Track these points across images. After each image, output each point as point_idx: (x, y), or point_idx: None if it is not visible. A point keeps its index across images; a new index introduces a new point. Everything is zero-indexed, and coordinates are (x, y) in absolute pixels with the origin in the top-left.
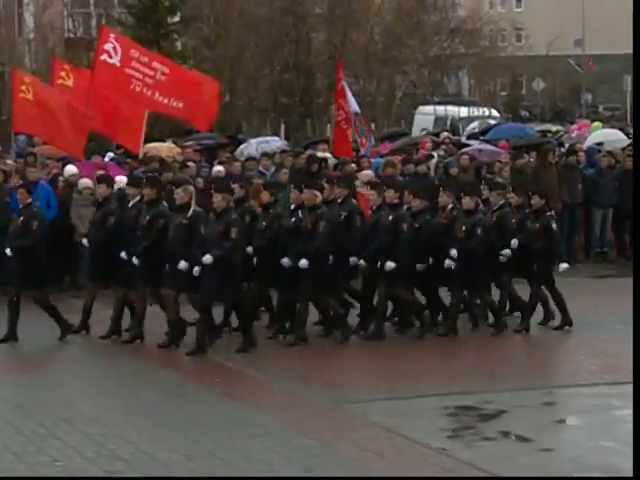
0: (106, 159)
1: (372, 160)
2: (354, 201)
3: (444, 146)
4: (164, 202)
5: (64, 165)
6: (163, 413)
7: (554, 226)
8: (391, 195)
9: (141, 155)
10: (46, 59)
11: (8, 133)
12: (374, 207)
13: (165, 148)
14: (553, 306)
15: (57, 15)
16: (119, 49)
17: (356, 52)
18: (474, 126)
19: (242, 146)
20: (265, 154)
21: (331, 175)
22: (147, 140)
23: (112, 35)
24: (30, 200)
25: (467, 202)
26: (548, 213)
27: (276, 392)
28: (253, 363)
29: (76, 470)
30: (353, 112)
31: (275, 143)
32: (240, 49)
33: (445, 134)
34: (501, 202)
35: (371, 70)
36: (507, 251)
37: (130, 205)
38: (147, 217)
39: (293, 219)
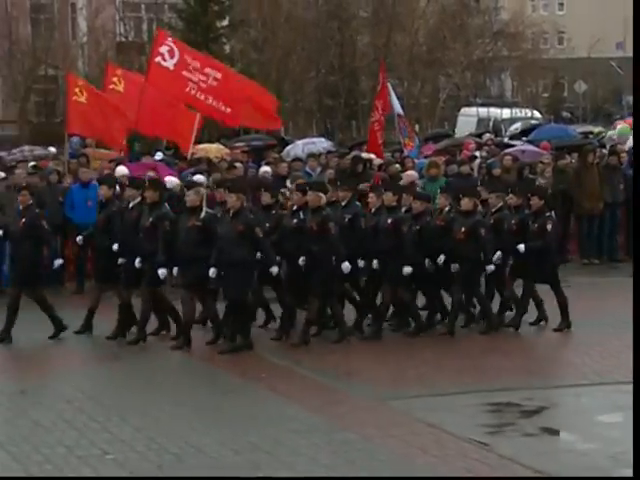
0: (156, 157)
1: (416, 161)
2: (358, 203)
3: (487, 147)
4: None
5: (116, 166)
6: (211, 408)
7: (549, 227)
8: (389, 198)
9: (189, 156)
10: (98, 62)
11: (62, 134)
12: (373, 209)
13: (214, 149)
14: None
15: (109, 19)
16: (176, 52)
17: (400, 55)
18: (516, 127)
19: (289, 147)
20: (311, 155)
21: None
22: (197, 142)
23: (169, 39)
24: (31, 202)
25: (466, 203)
26: (547, 214)
27: (320, 388)
28: (298, 360)
29: (126, 463)
30: (396, 113)
31: (321, 144)
32: (287, 52)
33: (488, 135)
34: (500, 204)
35: (415, 72)
36: (521, 246)
37: (130, 207)
38: (150, 219)
39: (295, 220)
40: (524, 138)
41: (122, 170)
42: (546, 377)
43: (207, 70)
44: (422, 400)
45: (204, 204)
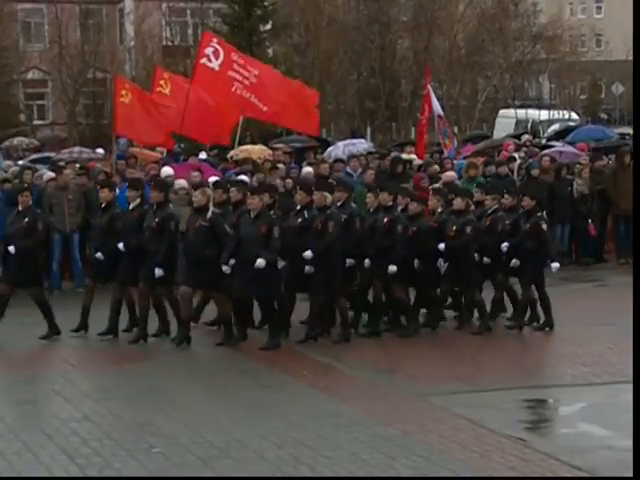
0: (201, 156)
1: (455, 162)
2: (353, 204)
3: (525, 148)
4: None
5: (162, 166)
6: (254, 403)
7: (544, 227)
8: (385, 197)
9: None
10: (145, 66)
11: (110, 136)
12: (372, 209)
13: (257, 150)
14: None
15: (156, 24)
16: (221, 53)
17: (440, 58)
18: (554, 129)
19: (330, 148)
20: (353, 156)
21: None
22: (240, 143)
23: (215, 40)
24: (31, 202)
25: (458, 203)
26: (539, 214)
27: (361, 384)
28: (339, 356)
29: (172, 456)
30: (437, 115)
31: (361, 145)
32: (329, 56)
33: (527, 136)
34: (495, 206)
35: (454, 75)
36: (504, 245)
37: (130, 208)
38: (156, 219)
39: (299, 219)
40: (562, 140)
41: (167, 171)
42: (584, 375)
43: (249, 68)
44: (461, 396)
45: (211, 204)
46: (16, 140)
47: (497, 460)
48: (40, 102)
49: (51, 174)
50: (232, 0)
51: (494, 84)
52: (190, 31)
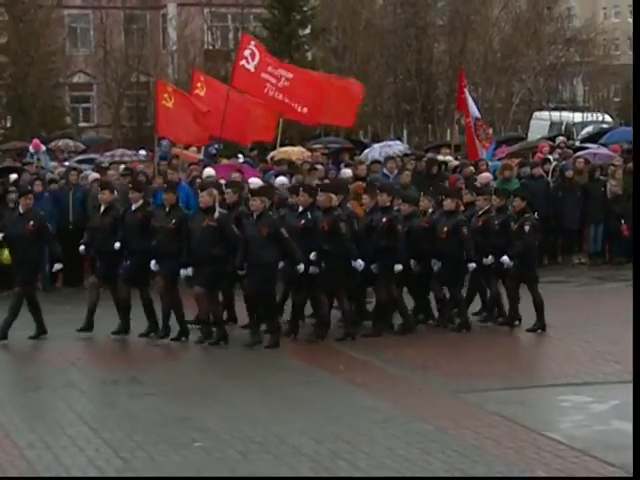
0: (239, 159)
1: (490, 163)
2: (349, 205)
3: (559, 150)
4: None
5: (203, 168)
6: (293, 398)
7: (526, 228)
8: (384, 198)
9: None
10: (187, 70)
11: (152, 138)
12: (367, 210)
13: (296, 152)
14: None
15: (197, 29)
16: (257, 55)
17: (475, 61)
18: (588, 131)
19: (367, 150)
20: (390, 157)
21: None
22: (280, 145)
23: (252, 42)
24: (32, 205)
25: (448, 204)
26: (526, 215)
27: (397, 380)
28: (376, 353)
29: (213, 450)
30: (474, 117)
31: (397, 147)
32: (366, 59)
33: (561, 138)
34: (487, 207)
35: (489, 78)
36: (505, 259)
37: (133, 209)
38: (172, 220)
39: (303, 220)
40: (596, 142)
41: (209, 172)
42: (617, 373)
43: (280, 71)
44: (495, 393)
45: (217, 204)
46: (61, 142)
47: (531, 456)
48: (85, 105)
49: (96, 175)
50: (272, 5)
51: (528, 87)
52: (231, 35)
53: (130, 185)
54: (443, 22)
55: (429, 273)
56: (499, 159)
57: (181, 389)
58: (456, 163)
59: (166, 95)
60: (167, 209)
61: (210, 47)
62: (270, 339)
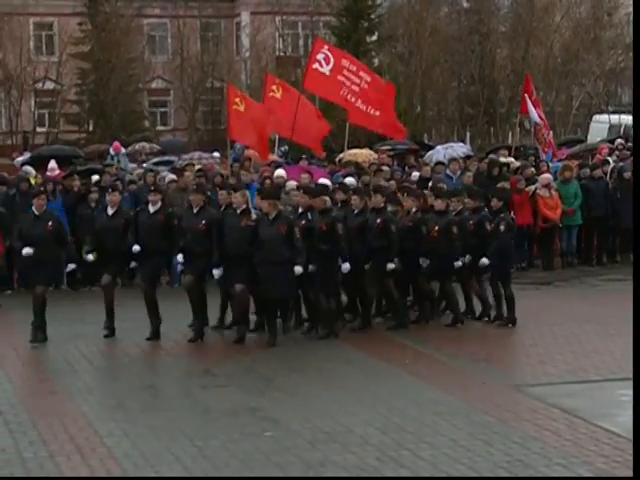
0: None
1: (551, 164)
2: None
3: (617, 152)
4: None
5: (274, 169)
6: (359, 390)
7: (502, 227)
8: (378, 199)
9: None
10: (259, 75)
11: (226, 140)
12: (356, 210)
13: (363, 154)
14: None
15: (269, 36)
16: (331, 59)
17: (536, 66)
18: None
19: (430, 152)
20: (453, 159)
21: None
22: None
23: (326, 47)
24: (46, 205)
25: (439, 204)
26: (502, 215)
27: (460, 373)
28: (439, 346)
29: (283, 440)
30: (533, 122)
31: (460, 149)
32: (431, 64)
33: (619, 140)
34: (460, 207)
35: (550, 82)
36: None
37: (152, 211)
38: (203, 221)
39: (304, 221)
40: None
41: (280, 173)
42: None
43: (361, 74)
44: (555, 387)
45: (250, 206)
46: (138, 145)
47: (590, 448)
48: (163, 109)
49: (173, 176)
50: (341, 13)
51: (588, 91)
52: (301, 42)
53: (151, 187)
54: (506, 29)
55: (416, 271)
56: (559, 160)
57: (251, 381)
58: (517, 164)
59: (237, 99)
60: (196, 210)
61: (281, 54)
62: (268, 338)
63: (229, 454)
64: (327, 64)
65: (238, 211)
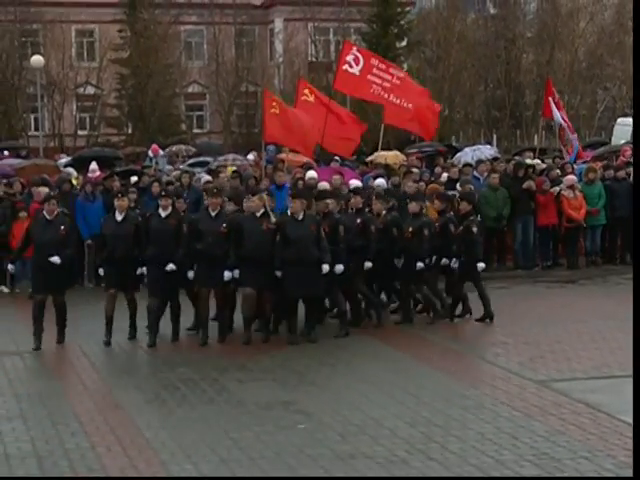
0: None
1: (576, 166)
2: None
3: None
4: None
5: (306, 170)
6: (387, 384)
7: (474, 229)
8: (357, 200)
9: (368, 161)
10: (292, 80)
11: (260, 143)
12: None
13: (392, 156)
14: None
15: (302, 42)
16: (361, 59)
17: (561, 70)
18: None
19: (459, 154)
20: (480, 161)
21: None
22: (377, 149)
23: (354, 48)
24: (57, 210)
25: (413, 207)
26: (471, 217)
27: (487, 369)
28: (466, 343)
29: (315, 432)
30: (557, 124)
31: (488, 151)
32: (458, 69)
33: None
34: (416, 210)
35: (575, 86)
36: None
37: (164, 216)
38: (223, 224)
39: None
40: None
41: (311, 174)
42: None
43: (392, 70)
44: (580, 382)
45: (269, 208)
46: (175, 147)
47: (614, 442)
48: (199, 113)
49: (208, 177)
50: (371, 20)
51: (612, 95)
52: (333, 48)
53: (162, 193)
54: (531, 34)
55: (392, 271)
56: (584, 162)
57: (285, 376)
58: (543, 166)
59: (274, 104)
60: (214, 213)
61: (313, 59)
62: (290, 337)
63: (263, 445)
64: (357, 64)
65: (257, 214)
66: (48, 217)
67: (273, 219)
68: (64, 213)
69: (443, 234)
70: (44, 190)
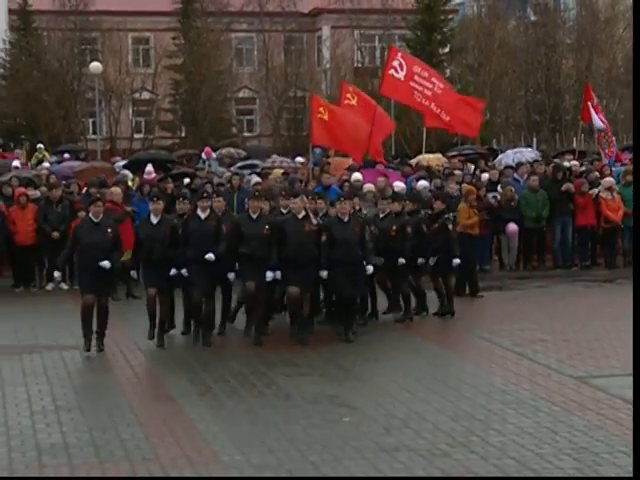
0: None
1: (614, 169)
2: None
3: None
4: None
5: (351, 172)
6: (430, 379)
7: (450, 226)
8: (320, 204)
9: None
10: (339, 85)
11: (307, 146)
12: (320, 214)
13: (433, 158)
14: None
15: (348, 49)
16: (404, 65)
17: (600, 75)
18: None
19: (500, 156)
20: (521, 163)
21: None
22: (420, 152)
23: (399, 54)
24: (102, 212)
25: (395, 207)
26: (445, 215)
27: (526, 365)
28: (506, 339)
29: (360, 425)
30: (596, 129)
31: (529, 154)
32: (499, 75)
33: None
34: (387, 210)
35: (613, 91)
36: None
37: (204, 217)
38: (266, 226)
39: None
40: None
41: (357, 176)
42: None
43: (433, 79)
44: (618, 379)
45: (308, 209)
46: (224, 150)
47: None
48: (249, 117)
49: (257, 179)
50: (415, 27)
51: None
52: (378, 54)
53: (204, 194)
54: (571, 40)
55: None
56: (622, 165)
57: (331, 371)
58: (582, 169)
59: (321, 109)
60: (255, 215)
61: (359, 65)
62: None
63: (309, 438)
64: (401, 70)
65: (299, 216)
66: (94, 220)
67: (314, 221)
68: (127, 213)
69: (418, 234)
70: (117, 190)
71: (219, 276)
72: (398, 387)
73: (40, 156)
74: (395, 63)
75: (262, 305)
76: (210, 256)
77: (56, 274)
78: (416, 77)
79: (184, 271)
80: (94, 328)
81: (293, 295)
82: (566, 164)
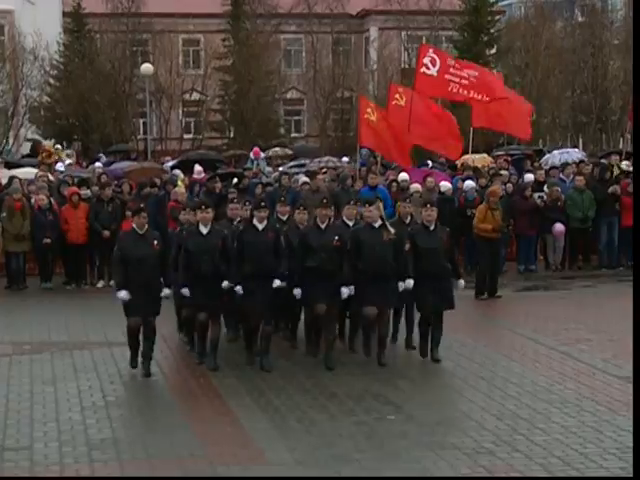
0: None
1: None
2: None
3: None
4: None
5: (398, 173)
6: (474, 379)
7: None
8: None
9: (459, 164)
10: (386, 86)
11: (354, 147)
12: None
13: (479, 158)
14: None
15: (395, 50)
16: (437, 60)
17: None
18: None
19: (547, 156)
20: (566, 163)
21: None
22: (465, 152)
23: (430, 50)
24: (147, 223)
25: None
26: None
27: (571, 365)
28: (551, 338)
29: (405, 422)
30: None
31: (576, 154)
32: (546, 75)
33: None
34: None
35: None
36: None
37: (262, 229)
38: (336, 237)
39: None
40: None
41: (403, 176)
42: None
43: (465, 70)
44: None
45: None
46: (271, 151)
47: None
48: (297, 118)
49: (305, 179)
50: (462, 28)
51: None
52: None
53: (261, 204)
54: (618, 41)
55: None
56: None
57: (376, 370)
58: (629, 169)
59: (369, 110)
60: (323, 225)
61: (406, 66)
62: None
63: (356, 436)
64: (434, 66)
65: (375, 225)
66: (139, 231)
67: (392, 230)
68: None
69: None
70: (181, 190)
71: (280, 293)
72: (443, 386)
73: (56, 157)
74: (426, 60)
75: (335, 321)
76: (278, 283)
77: (122, 294)
78: (451, 70)
79: (238, 288)
80: (140, 349)
81: (371, 318)
82: (623, 165)
